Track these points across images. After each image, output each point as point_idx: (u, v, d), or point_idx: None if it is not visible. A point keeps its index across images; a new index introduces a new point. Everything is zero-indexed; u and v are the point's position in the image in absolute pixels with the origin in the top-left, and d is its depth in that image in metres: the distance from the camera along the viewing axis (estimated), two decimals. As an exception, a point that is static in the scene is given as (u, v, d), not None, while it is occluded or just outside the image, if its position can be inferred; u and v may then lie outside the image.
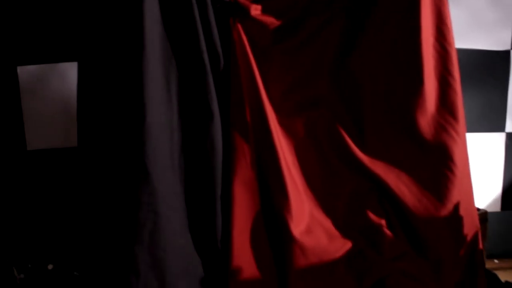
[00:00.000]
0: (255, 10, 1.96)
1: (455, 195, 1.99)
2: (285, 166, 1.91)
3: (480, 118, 3.68)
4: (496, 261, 2.93)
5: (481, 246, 2.05)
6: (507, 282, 2.22)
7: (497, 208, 3.49)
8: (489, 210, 2.84)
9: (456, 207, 1.99)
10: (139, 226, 1.66)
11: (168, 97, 1.78)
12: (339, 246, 1.94)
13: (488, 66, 3.50)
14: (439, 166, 2.01)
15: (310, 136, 2.01)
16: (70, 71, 2.70)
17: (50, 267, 2.45)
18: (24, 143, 2.74)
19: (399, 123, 2.01)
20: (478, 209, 2.30)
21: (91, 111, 1.75)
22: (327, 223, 1.97)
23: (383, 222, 1.98)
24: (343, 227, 1.98)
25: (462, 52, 2.83)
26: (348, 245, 1.96)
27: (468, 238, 2.03)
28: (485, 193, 3.24)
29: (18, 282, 2.27)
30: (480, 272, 2.00)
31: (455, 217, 2.00)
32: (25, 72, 2.69)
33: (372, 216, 1.98)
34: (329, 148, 2.01)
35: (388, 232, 1.97)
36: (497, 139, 3.63)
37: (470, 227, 2.03)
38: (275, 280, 1.91)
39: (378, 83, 2.02)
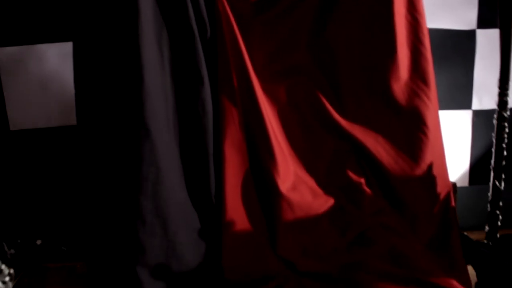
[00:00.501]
0: None
1: (428, 156, 2.17)
2: (270, 129, 2.06)
3: (447, 96, 3.82)
4: (465, 233, 3.11)
5: (453, 204, 2.23)
6: (478, 241, 2.42)
7: (465, 183, 3.63)
8: (457, 185, 2.98)
9: (430, 167, 2.17)
10: (143, 178, 1.80)
11: (161, 62, 1.92)
12: (322, 202, 2.10)
13: (454, 46, 3.63)
14: (413, 129, 2.17)
15: (292, 103, 2.16)
16: (47, 52, 2.78)
17: (38, 242, 2.55)
18: (7, 124, 2.81)
19: (375, 90, 2.17)
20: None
21: (89, 77, 1.87)
22: (311, 182, 2.12)
23: (362, 180, 2.15)
24: (325, 185, 2.13)
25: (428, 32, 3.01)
26: (330, 201, 2.11)
27: (441, 196, 2.21)
28: (453, 169, 3.35)
29: (9, 257, 2.37)
30: (453, 226, 2.17)
31: (429, 176, 2.17)
32: (3, 53, 2.75)
33: (352, 175, 2.14)
34: (310, 113, 2.16)
35: (367, 189, 2.13)
36: (464, 117, 3.78)
37: (443, 186, 2.20)
38: (265, 233, 2.06)
39: (354, 52, 2.18)
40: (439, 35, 3.34)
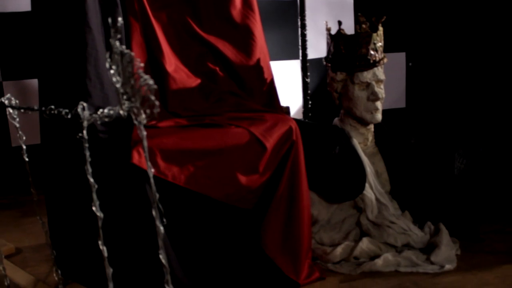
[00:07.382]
0: None
1: (257, 54, 3.90)
2: (159, 36, 3.80)
3: (281, 50, 5.66)
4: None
5: (275, 87, 4.08)
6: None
7: (301, 116, 5.46)
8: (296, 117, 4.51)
9: (258, 60, 3.92)
10: (88, 54, 3.24)
11: None
12: (193, 80, 3.76)
13: (283, 12, 5.47)
14: (247, 38, 3.88)
15: (171, 23, 3.78)
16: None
17: None
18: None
19: (222, 14, 3.83)
20: (284, 106, 4.24)
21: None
22: (185, 70, 3.79)
23: (217, 68, 3.82)
24: (194, 72, 3.80)
25: (263, 3, 4.72)
26: (198, 80, 3.74)
27: (267, 80, 3.94)
28: (290, 105, 4.95)
29: None
30: (276, 99, 3.97)
31: (258, 66, 3.90)
32: None
33: (210, 65, 3.80)
34: (182, 29, 3.76)
35: (221, 73, 3.83)
36: (295, 65, 5.63)
37: (268, 75, 3.93)
38: (159, 99, 3.75)
39: None
40: (271, 5, 5.24)
